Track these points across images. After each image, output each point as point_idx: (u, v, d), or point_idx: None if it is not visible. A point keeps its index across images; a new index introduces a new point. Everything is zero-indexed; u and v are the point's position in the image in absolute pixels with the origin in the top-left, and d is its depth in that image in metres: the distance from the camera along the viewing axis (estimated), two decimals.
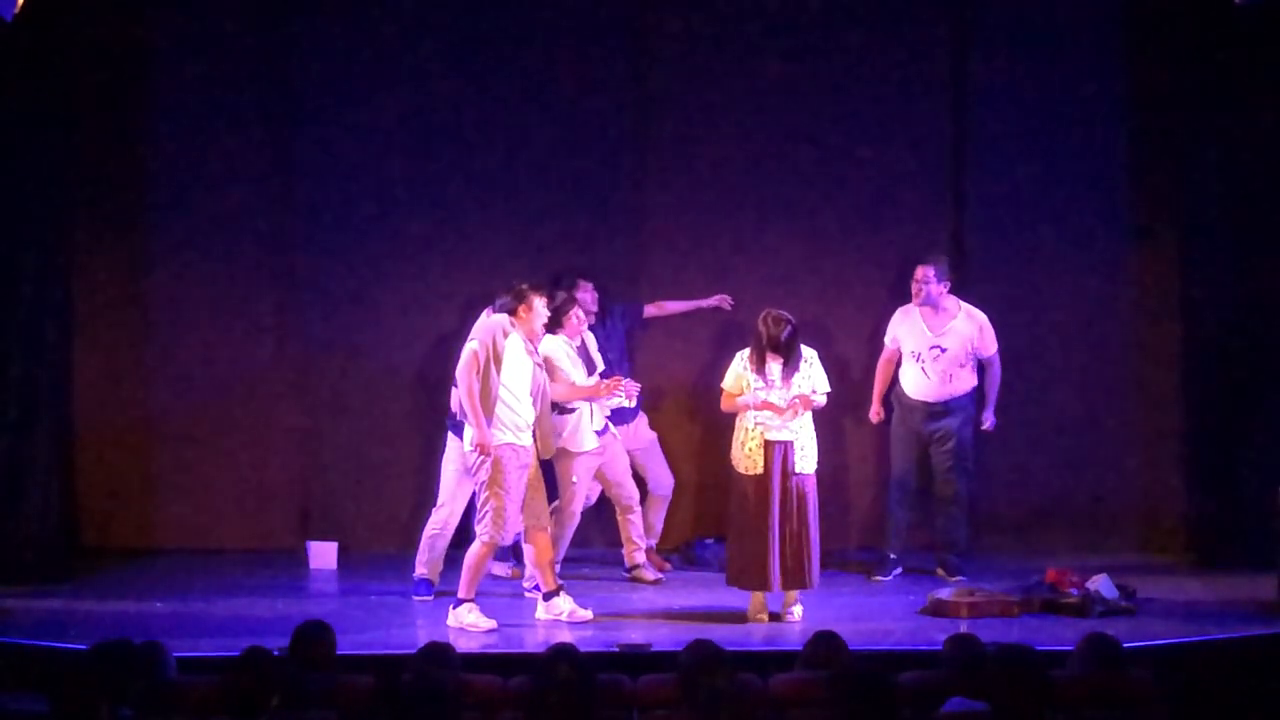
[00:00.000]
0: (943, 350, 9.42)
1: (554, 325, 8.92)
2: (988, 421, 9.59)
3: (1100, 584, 8.56)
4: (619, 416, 9.42)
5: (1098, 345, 10.24)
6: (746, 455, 8.34)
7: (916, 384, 9.50)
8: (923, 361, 9.46)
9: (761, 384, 8.32)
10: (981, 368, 9.55)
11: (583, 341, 9.22)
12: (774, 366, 8.35)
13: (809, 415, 8.40)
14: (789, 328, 8.33)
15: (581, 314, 9.14)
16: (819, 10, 10.23)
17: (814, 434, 8.43)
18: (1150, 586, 8.91)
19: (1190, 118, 9.82)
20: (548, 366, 8.76)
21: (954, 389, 9.46)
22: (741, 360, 8.43)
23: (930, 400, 9.48)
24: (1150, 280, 10.24)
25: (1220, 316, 9.77)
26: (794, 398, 8.28)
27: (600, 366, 9.26)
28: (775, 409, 8.28)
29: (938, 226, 10.22)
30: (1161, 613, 8.55)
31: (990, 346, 9.50)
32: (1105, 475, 10.22)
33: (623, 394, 9.06)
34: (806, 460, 8.36)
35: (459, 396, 8.45)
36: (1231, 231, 9.72)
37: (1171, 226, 10.12)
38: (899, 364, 9.57)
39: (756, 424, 8.33)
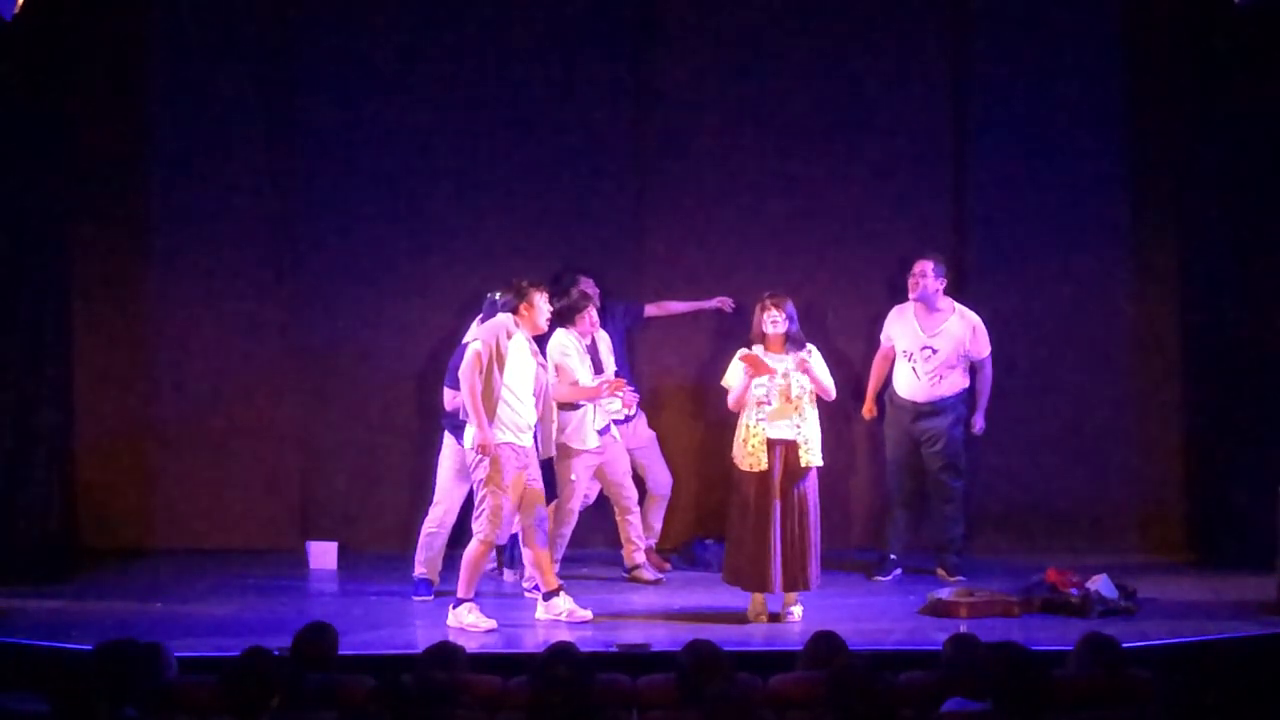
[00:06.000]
0: (934, 351, 9.42)
1: (566, 321, 8.95)
2: (977, 425, 9.59)
3: (1100, 584, 8.56)
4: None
5: (1098, 345, 10.24)
6: (749, 452, 8.33)
7: (907, 384, 9.50)
8: (914, 361, 9.46)
9: (765, 378, 8.32)
10: (974, 369, 9.55)
11: (594, 341, 9.24)
12: (775, 359, 8.35)
13: (814, 411, 8.37)
14: (784, 316, 8.37)
15: (595, 315, 9.15)
16: (819, 10, 10.24)
17: (819, 427, 8.41)
18: (1150, 586, 8.90)
19: (1190, 118, 9.83)
20: (554, 362, 8.77)
21: (943, 390, 9.45)
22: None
23: (919, 400, 9.48)
24: (1150, 280, 10.24)
25: (1220, 317, 9.77)
26: (797, 357, 8.27)
27: (608, 369, 9.25)
28: (768, 369, 8.25)
29: (938, 226, 10.22)
30: (1161, 613, 8.54)
31: (983, 349, 9.49)
32: (1105, 475, 10.22)
33: (622, 398, 9.07)
34: (812, 453, 8.35)
35: (459, 396, 8.46)
36: (1231, 231, 9.72)
37: (1171, 227, 10.13)
38: (894, 362, 9.59)
39: (758, 420, 8.32)
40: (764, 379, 8.31)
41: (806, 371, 8.32)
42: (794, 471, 8.30)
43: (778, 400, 8.32)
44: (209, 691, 5.83)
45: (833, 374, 8.57)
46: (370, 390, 10.24)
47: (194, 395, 10.22)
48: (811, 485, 8.36)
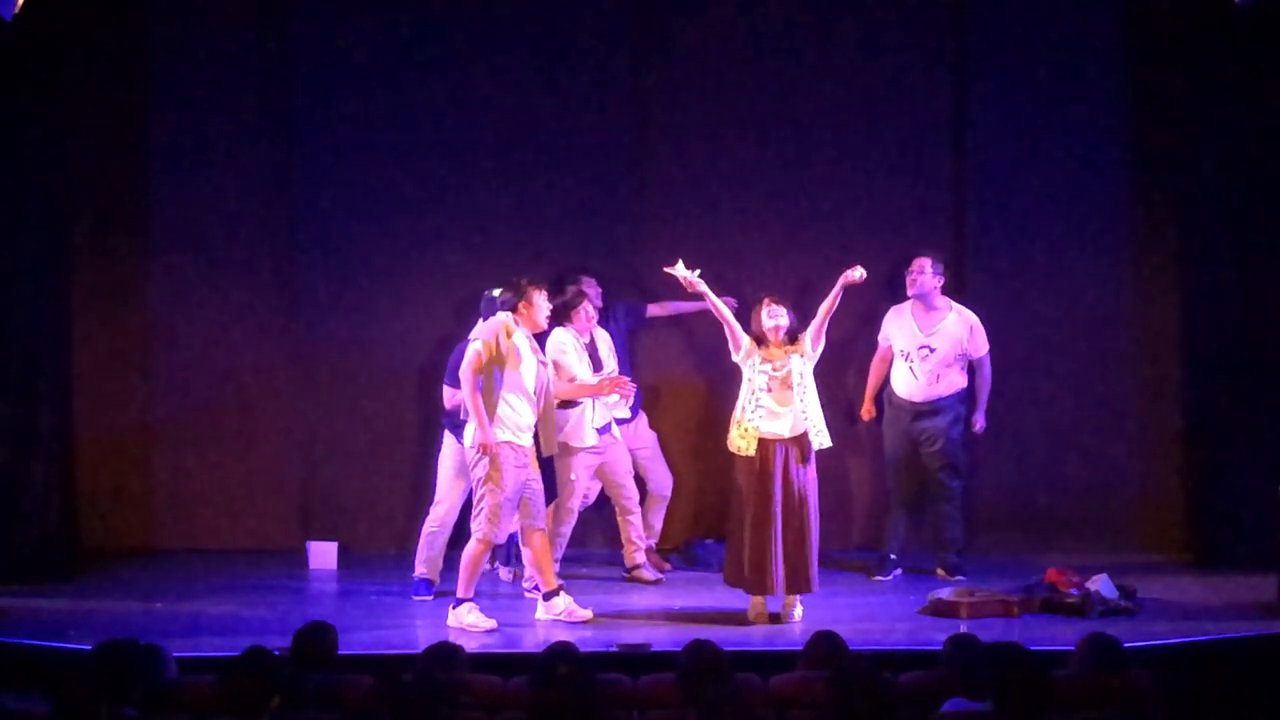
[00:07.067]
0: (931, 350, 9.43)
1: (563, 318, 8.96)
2: (978, 424, 9.60)
3: (1100, 584, 8.57)
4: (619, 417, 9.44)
5: (1098, 345, 10.25)
6: (740, 435, 8.31)
7: (905, 383, 9.51)
8: (911, 361, 9.47)
9: (768, 368, 8.31)
10: (973, 369, 9.56)
11: (592, 338, 9.26)
12: (775, 350, 8.36)
13: (814, 393, 8.37)
14: (786, 311, 8.39)
15: (591, 310, 9.18)
16: (819, 10, 10.24)
17: (819, 406, 8.38)
18: (1150, 586, 8.91)
19: (1190, 118, 9.83)
20: (552, 359, 8.78)
21: (941, 389, 9.46)
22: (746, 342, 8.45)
23: (917, 400, 9.48)
24: (1150, 281, 10.24)
25: (1220, 316, 9.77)
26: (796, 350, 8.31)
27: (608, 367, 9.26)
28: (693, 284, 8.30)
29: (938, 227, 10.22)
30: (1161, 613, 8.54)
31: (981, 348, 9.50)
32: (1105, 475, 10.22)
33: (621, 393, 9.09)
34: (821, 434, 8.33)
35: (459, 396, 8.47)
36: (1231, 232, 9.73)
37: (1171, 226, 10.13)
38: (892, 362, 9.59)
39: (756, 408, 8.30)
40: (766, 368, 8.29)
41: (833, 295, 8.30)
42: (798, 463, 8.27)
43: (779, 388, 8.32)
44: (209, 691, 5.83)
45: (830, 377, 8.57)
46: (370, 390, 10.24)
47: (194, 395, 10.22)
48: (812, 486, 8.36)
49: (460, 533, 8.83)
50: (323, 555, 9.90)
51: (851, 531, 10.28)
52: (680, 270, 8.45)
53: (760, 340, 8.41)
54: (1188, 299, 10.01)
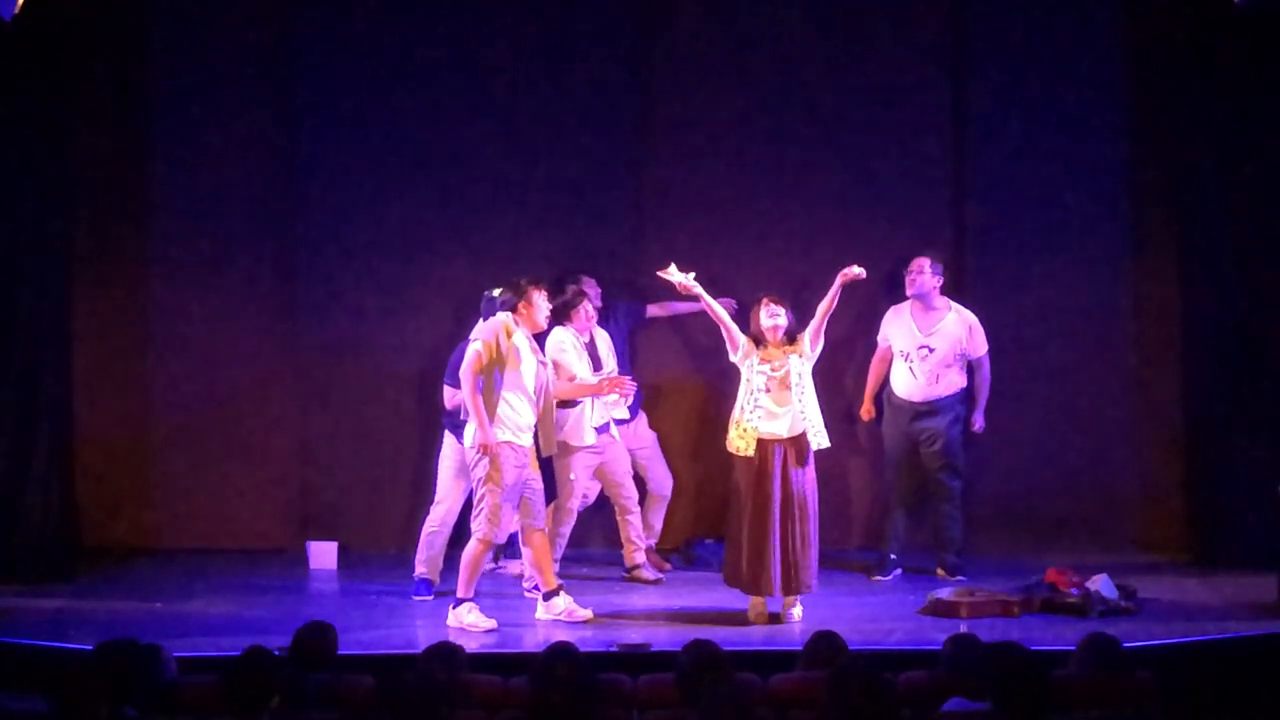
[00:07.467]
0: (930, 350, 9.43)
1: (562, 318, 8.97)
2: (977, 423, 9.60)
3: (1100, 584, 8.56)
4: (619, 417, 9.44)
5: (1098, 344, 10.24)
6: (739, 435, 8.31)
7: (904, 384, 9.51)
8: (910, 361, 9.47)
9: (767, 368, 8.31)
10: (972, 369, 9.56)
11: (592, 338, 9.27)
12: (773, 350, 8.36)
13: (813, 394, 8.36)
14: (785, 311, 8.38)
15: (590, 309, 9.19)
16: (818, 9, 10.24)
17: (818, 406, 8.37)
18: (1150, 586, 8.91)
19: (1190, 117, 9.83)
20: (552, 358, 8.78)
21: (941, 390, 9.46)
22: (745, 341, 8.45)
23: (917, 400, 9.48)
24: (1150, 280, 10.24)
25: (1220, 316, 9.77)
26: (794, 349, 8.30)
27: (607, 367, 9.26)
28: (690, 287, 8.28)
29: (938, 226, 10.22)
30: (1161, 613, 8.54)
31: (980, 348, 9.50)
32: (1105, 475, 10.22)
33: (621, 392, 9.09)
34: (819, 435, 8.33)
35: (459, 396, 8.47)
36: (1231, 232, 9.72)
37: (1172, 226, 10.13)
38: (892, 363, 9.59)
39: (755, 408, 8.30)
40: (765, 368, 8.29)
41: (824, 306, 8.29)
42: (796, 463, 8.27)
43: (777, 389, 8.31)
44: (209, 691, 5.83)
45: (830, 377, 8.57)
46: (370, 390, 10.24)
47: (194, 395, 10.22)
48: (811, 486, 8.36)
49: (460, 533, 8.84)
50: (323, 555, 9.90)
51: (851, 531, 10.28)
52: (674, 274, 8.45)
53: (759, 340, 8.41)
54: (1188, 299, 10.01)
